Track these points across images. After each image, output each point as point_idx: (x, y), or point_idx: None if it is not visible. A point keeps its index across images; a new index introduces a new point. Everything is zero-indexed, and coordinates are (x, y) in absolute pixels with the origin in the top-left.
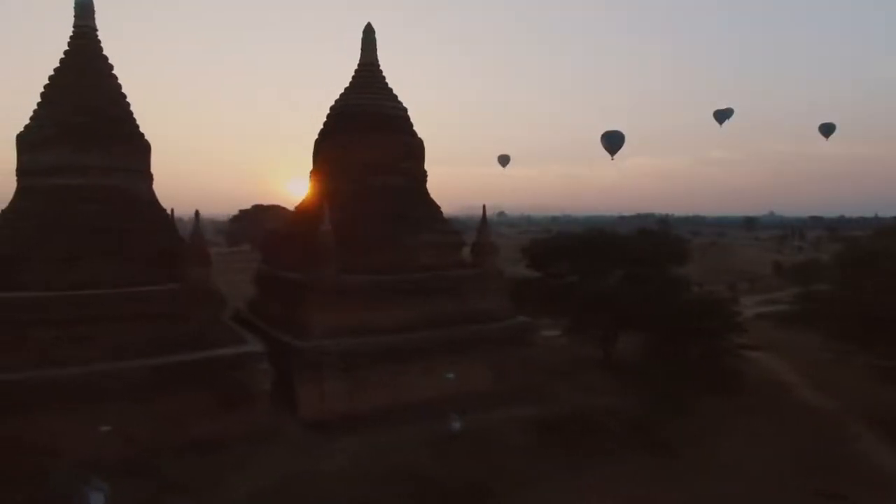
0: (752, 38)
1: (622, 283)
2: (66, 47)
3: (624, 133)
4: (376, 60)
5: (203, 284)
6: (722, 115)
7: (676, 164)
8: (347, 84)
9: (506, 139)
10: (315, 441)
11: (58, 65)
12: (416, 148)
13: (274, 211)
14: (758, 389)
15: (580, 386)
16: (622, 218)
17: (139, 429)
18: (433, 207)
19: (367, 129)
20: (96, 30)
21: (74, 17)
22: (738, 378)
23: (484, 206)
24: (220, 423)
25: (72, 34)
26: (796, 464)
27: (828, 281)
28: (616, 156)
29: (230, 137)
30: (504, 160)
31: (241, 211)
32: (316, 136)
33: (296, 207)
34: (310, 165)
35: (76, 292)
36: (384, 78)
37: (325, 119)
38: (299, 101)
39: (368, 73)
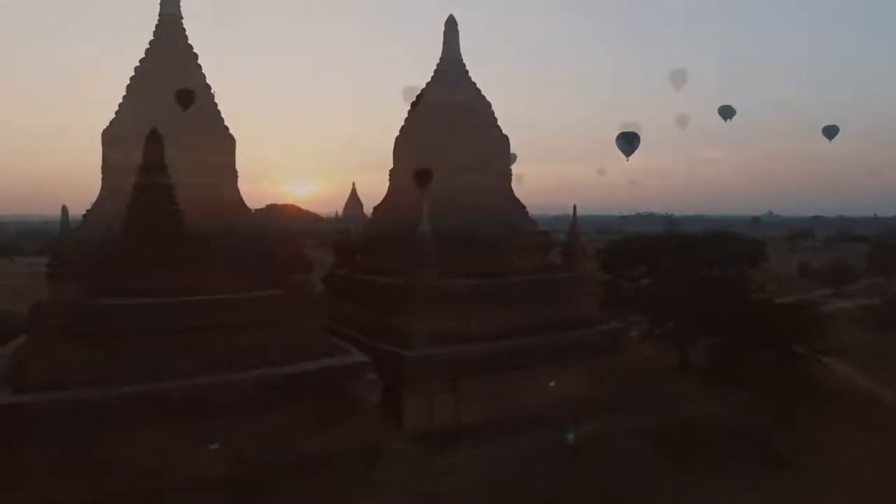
0: (753, 38)
1: (701, 286)
2: (151, 37)
3: (639, 134)
4: (459, 55)
5: (308, 290)
6: (726, 112)
7: (675, 164)
8: (429, 79)
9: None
10: (425, 456)
11: (143, 55)
12: (503, 145)
13: (290, 210)
14: (841, 396)
15: (670, 393)
16: (624, 218)
17: (245, 446)
18: (521, 206)
19: (455, 126)
20: (181, 17)
21: (160, 4)
22: (820, 385)
23: (574, 207)
24: (325, 438)
25: (157, 23)
26: None
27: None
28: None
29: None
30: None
31: (255, 210)
32: (396, 134)
33: (374, 207)
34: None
35: (181, 299)
36: (468, 73)
37: (406, 116)
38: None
39: (452, 68)
